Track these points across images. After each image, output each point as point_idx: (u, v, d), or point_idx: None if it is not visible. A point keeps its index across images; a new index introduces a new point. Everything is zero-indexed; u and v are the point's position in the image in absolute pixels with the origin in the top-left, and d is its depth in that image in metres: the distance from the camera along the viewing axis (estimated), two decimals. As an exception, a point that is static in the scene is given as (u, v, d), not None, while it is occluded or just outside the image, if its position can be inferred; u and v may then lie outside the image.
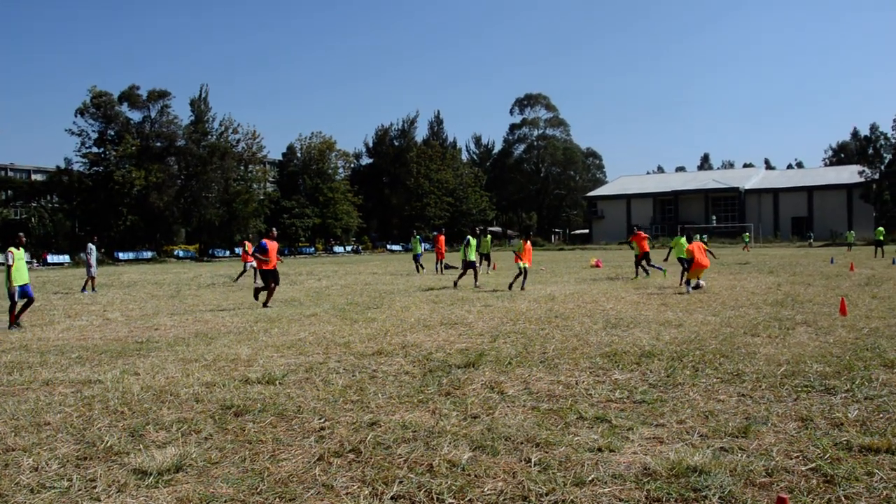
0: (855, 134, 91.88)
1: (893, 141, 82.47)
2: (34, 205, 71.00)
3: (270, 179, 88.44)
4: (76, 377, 8.31)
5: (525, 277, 20.25)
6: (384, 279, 27.38)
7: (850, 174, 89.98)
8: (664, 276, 23.45)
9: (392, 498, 4.40)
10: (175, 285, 26.34)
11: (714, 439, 5.42)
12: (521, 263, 20.27)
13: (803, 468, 4.73)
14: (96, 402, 6.95)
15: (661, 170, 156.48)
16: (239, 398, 6.98)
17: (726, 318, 12.49)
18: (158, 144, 72.52)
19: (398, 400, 6.87)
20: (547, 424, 5.88)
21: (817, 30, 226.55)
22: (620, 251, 66.71)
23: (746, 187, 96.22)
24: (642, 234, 24.52)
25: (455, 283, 21.80)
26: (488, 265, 30.30)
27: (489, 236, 21.30)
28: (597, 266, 32.83)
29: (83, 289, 23.74)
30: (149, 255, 66.31)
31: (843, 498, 4.22)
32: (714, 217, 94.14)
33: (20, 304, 13.68)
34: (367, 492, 4.49)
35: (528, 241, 20.93)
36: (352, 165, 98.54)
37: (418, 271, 31.00)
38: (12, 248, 13.52)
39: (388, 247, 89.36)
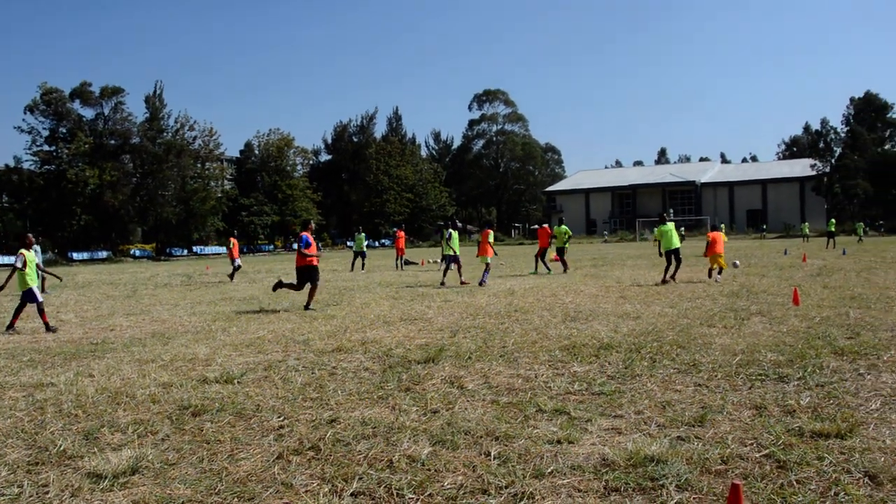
0: (807, 128, 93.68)
1: (843, 135, 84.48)
2: (-19, 204, 69.43)
3: (228, 177, 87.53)
4: (28, 381, 8.12)
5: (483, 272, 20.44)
6: (344, 276, 27.25)
7: (802, 168, 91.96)
8: (548, 273, 23.48)
9: (352, 495, 4.38)
10: (131, 285, 25.92)
11: (671, 429, 5.49)
12: (482, 257, 20.53)
13: (757, 455, 4.82)
14: (49, 406, 6.81)
15: (619, 164, 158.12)
16: (196, 398, 6.89)
17: (683, 309, 12.67)
18: (112, 142, 71.33)
19: (358, 396, 6.84)
20: (506, 418, 5.91)
21: (769, 27, 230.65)
22: (580, 245, 67.28)
23: (702, 181, 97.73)
24: (545, 228, 24.62)
25: (461, 281, 20.73)
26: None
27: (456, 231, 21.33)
28: (555, 260, 33.02)
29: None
30: (104, 254, 65.21)
31: (794, 482, 4.31)
32: (671, 210, 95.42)
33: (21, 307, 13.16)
34: (326, 489, 4.46)
35: (488, 231, 21.05)
36: (310, 162, 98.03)
37: (352, 269, 30.47)
38: (23, 250, 12.96)
39: (349, 243, 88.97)
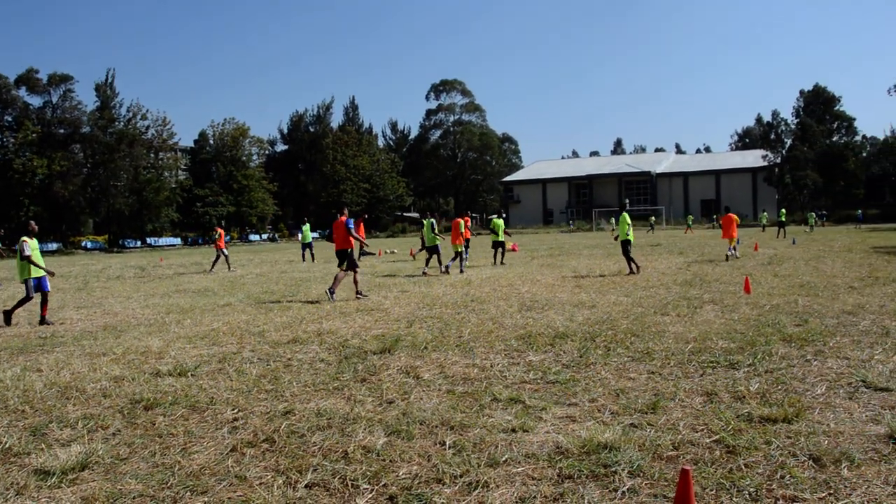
0: (759, 120, 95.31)
1: (793, 127, 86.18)
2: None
3: (182, 167, 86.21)
4: (-27, 376, 7.92)
5: (457, 259, 21.25)
6: (300, 267, 27.06)
7: (754, 158, 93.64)
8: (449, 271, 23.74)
9: (306, 486, 4.36)
10: (83, 277, 25.41)
11: (624, 416, 5.56)
12: (454, 245, 21.49)
13: (708, 440, 4.91)
14: (-6, 402, 6.65)
15: (575, 154, 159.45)
16: (149, 391, 6.79)
17: (637, 298, 12.83)
18: (62, 131, 69.66)
19: (313, 388, 6.81)
20: (462, 407, 5.92)
21: (722, 19, 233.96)
22: (536, 234, 67.70)
23: (658, 171, 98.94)
24: (460, 220, 24.42)
25: (446, 269, 20.87)
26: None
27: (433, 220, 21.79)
28: (513, 250, 33.22)
29: None
30: (54, 246, 63.76)
31: (743, 467, 4.39)
32: (627, 200, 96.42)
33: (34, 298, 12.73)
34: (280, 481, 4.44)
35: (459, 219, 21.92)
36: (266, 152, 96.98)
37: (304, 260, 30.33)
38: (26, 238, 12.49)
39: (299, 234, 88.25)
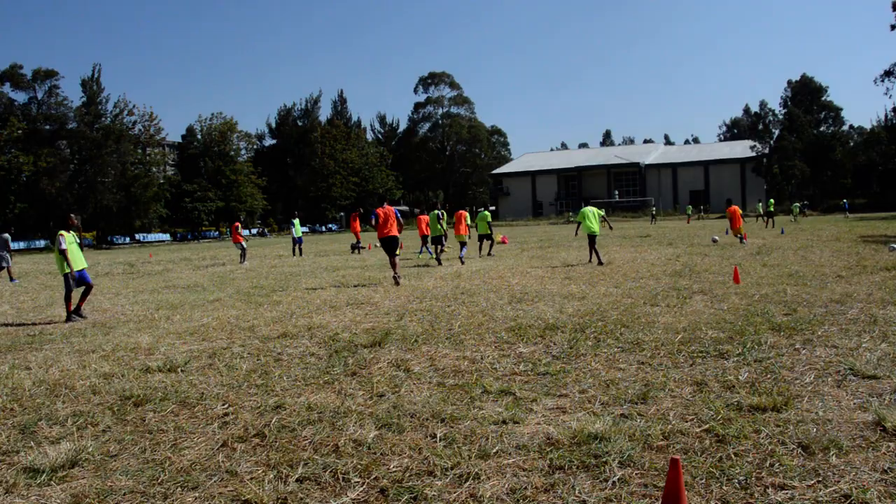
0: (746, 110, 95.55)
1: (781, 117, 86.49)
2: None
3: (170, 162, 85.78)
4: (-39, 374, 7.87)
5: (461, 248, 22.40)
6: (290, 261, 27.01)
7: (742, 149, 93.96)
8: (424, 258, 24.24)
9: (297, 480, 4.35)
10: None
11: (614, 406, 5.58)
12: (458, 236, 22.60)
13: (697, 430, 4.93)
14: (-18, 400, 6.61)
15: (564, 146, 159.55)
16: (139, 388, 6.76)
17: (627, 289, 12.86)
18: (48, 127, 69.21)
19: (303, 382, 6.80)
20: (452, 400, 5.93)
21: (710, 9, 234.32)
22: (527, 227, 67.76)
23: (647, 162, 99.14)
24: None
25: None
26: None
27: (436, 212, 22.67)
28: (503, 242, 33.25)
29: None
30: (42, 243, 63.39)
31: (732, 455, 4.42)
32: (616, 192, 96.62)
33: (77, 292, 12.63)
34: (272, 476, 4.43)
35: (463, 212, 22.95)
36: (255, 147, 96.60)
37: (294, 254, 30.44)
38: (63, 231, 12.37)
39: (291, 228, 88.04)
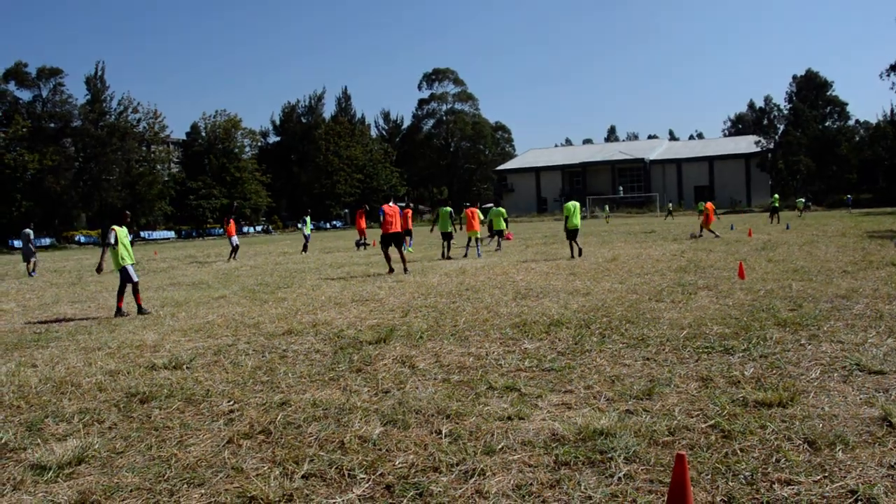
0: (751, 106, 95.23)
1: (786, 112, 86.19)
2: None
3: (174, 160, 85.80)
4: (-33, 372, 7.89)
5: (477, 244, 23.08)
6: (295, 258, 27.03)
7: (747, 144, 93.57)
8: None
9: (303, 477, 4.36)
10: (76, 272, 25.34)
11: (620, 402, 5.58)
12: (469, 232, 22.93)
13: (703, 425, 4.92)
14: (-11, 398, 6.63)
15: (569, 142, 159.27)
16: (144, 385, 6.78)
17: (632, 285, 12.85)
18: (52, 125, 69.19)
19: (309, 379, 6.81)
20: (457, 396, 5.93)
21: (714, 5, 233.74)
22: (531, 223, 67.66)
23: (651, 158, 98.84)
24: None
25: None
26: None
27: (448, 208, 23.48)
28: (507, 238, 33.21)
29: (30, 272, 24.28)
30: (47, 241, 63.45)
31: (738, 451, 4.41)
32: (621, 188, 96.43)
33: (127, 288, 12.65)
34: (277, 472, 4.44)
35: (472, 209, 23.12)
36: (259, 144, 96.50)
37: (304, 251, 30.58)
38: (115, 227, 12.49)
39: (299, 226, 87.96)
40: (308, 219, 32.00)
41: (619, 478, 4.11)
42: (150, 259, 32.52)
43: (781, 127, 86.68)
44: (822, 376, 6.03)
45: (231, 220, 27.86)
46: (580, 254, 20.08)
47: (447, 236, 23.43)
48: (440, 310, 10.88)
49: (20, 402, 6.42)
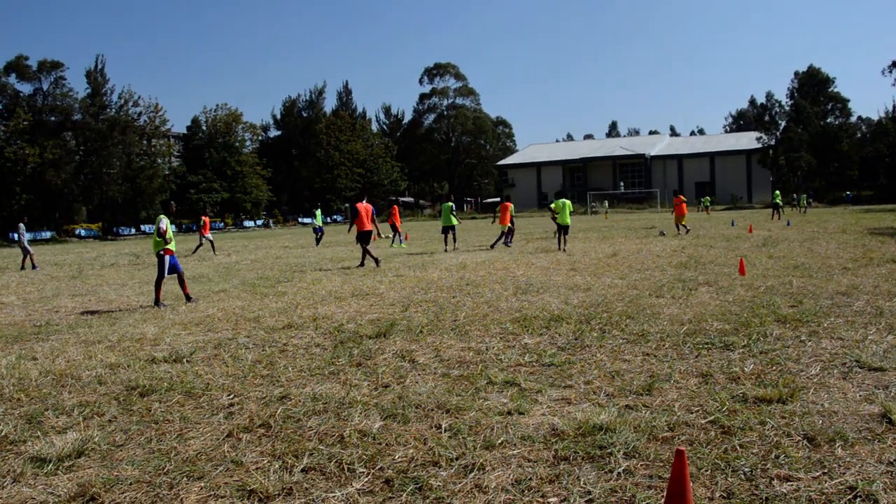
0: (752, 102, 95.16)
1: (787, 109, 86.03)
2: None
3: (175, 154, 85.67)
4: (-33, 365, 7.89)
5: (505, 237, 24.29)
6: (295, 253, 27.02)
7: (748, 140, 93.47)
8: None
9: (302, 470, 4.37)
10: (77, 265, 25.34)
11: (619, 398, 5.58)
12: (501, 226, 24.04)
13: (703, 421, 4.93)
14: (-11, 390, 6.63)
15: (570, 137, 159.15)
16: (144, 378, 6.79)
17: (633, 280, 12.84)
18: (53, 119, 69.02)
19: (309, 373, 6.81)
20: (457, 390, 5.94)
21: (715, 1, 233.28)
22: (531, 218, 67.61)
23: (652, 154, 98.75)
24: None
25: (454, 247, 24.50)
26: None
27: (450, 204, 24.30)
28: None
29: (22, 266, 24.48)
30: (48, 234, 63.41)
31: (738, 447, 4.42)
32: (622, 183, 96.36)
33: (173, 281, 12.78)
34: (277, 465, 4.44)
35: (505, 203, 24.22)
36: (259, 138, 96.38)
37: (318, 244, 31.23)
38: (163, 216, 12.60)
39: (300, 220, 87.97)
40: (318, 212, 32.94)
41: (619, 473, 4.12)
42: (150, 253, 32.51)
43: (783, 123, 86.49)
44: (822, 373, 6.03)
45: (206, 218, 28.60)
46: (563, 249, 21.34)
47: (447, 230, 24.23)
48: (440, 304, 10.88)
49: (20, 394, 6.42)
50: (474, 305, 10.63)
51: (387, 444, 4.74)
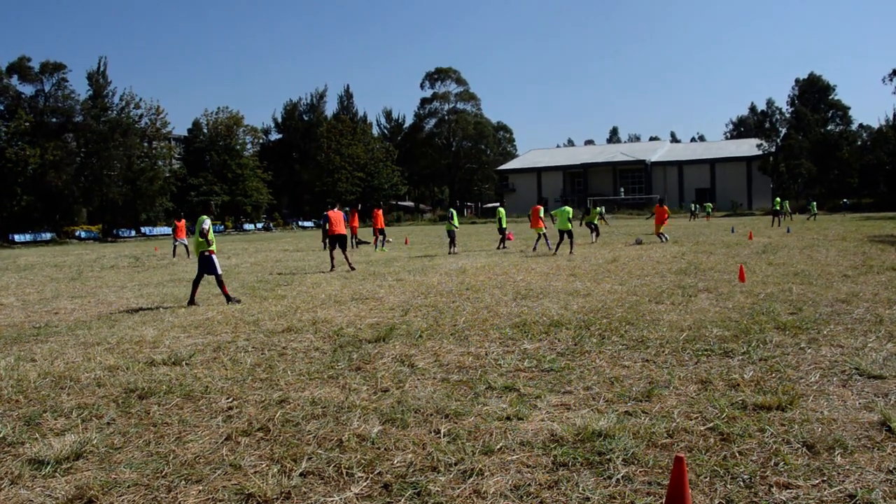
0: (753, 109, 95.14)
1: (788, 116, 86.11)
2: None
3: (176, 156, 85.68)
4: (-34, 366, 7.88)
5: (542, 240, 25.09)
6: (295, 256, 27.03)
7: (749, 147, 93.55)
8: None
9: (301, 474, 4.36)
10: (76, 267, 25.33)
11: (619, 404, 5.58)
12: (536, 229, 24.72)
13: (702, 428, 4.92)
14: (-13, 392, 6.62)
15: (570, 143, 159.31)
16: (143, 381, 6.78)
17: (632, 286, 12.84)
18: (54, 120, 69.03)
19: (308, 376, 6.80)
20: (456, 395, 5.93)
21: (717, 7, 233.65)
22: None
23: (652, 160, 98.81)
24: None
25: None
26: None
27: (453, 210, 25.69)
28: (508, 238, 33.17)
29: None
30: (48, 236, 63.42)
31: (737, 454, 4.41)
32: (622, 189, 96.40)
33: (210, 283, 12.82)
34: (275, 469, 4.44)
35: (536, 206, 24.99)
36: (260, 141, 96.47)
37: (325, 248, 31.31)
38: (205, 216, 12.72)
39: (300, 223, 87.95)
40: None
41: (618, 479, 4.11)
42: (150, 255, 32.52)
43: (783, 130, 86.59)
44: (822, 380, 6.02)
45: (181, 221, 28.65)
46: (556, 251, 22.86)
47: (451, 235, 25.41)
48: (440, 309, 10.88)
49: (19, 396, 6.42)
50: (474, 310, 10.63)
51: (385, 449, 4.73)
